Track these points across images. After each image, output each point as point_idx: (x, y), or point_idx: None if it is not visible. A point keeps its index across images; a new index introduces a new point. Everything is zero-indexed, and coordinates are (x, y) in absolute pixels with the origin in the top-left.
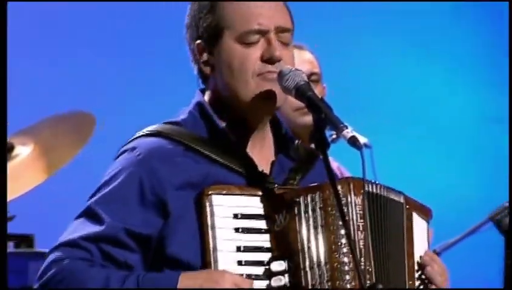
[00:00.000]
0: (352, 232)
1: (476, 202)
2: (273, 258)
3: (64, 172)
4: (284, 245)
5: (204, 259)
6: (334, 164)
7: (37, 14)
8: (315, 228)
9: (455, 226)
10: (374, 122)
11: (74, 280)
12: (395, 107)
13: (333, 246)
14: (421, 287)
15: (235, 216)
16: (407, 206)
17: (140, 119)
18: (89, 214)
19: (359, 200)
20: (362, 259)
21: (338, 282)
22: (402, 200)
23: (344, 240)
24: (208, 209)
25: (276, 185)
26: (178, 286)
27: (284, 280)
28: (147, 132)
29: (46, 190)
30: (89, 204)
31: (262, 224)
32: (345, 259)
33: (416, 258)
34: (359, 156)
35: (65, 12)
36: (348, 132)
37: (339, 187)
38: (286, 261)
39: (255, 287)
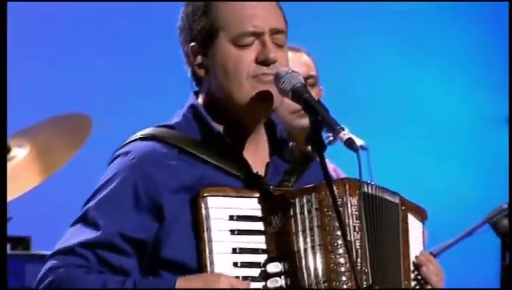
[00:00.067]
0: (348, 233)
1: (474, 202)
2: (269, 260)
3: (61, 174)
4: (280, 247)
5: (200, 261)
6: (330, 166)
7: (37, 14)
8: (311, 229)
9: (452, 226)
10: (371, 122)
11: (72, 287)
12: (392, 108)
13: (329, 247)
14: (417, 287)
15: (231, 218)
16: (402, 207)
17: (139, 120)
18: (85, 220)
19: (354, 201)
20: (359, 260)
21: (334, 283)
22: (397, 201)
23: (340, 241)
24: (203, 211)
25: (271, 187)
26: None
27: (281, 281)
28: (141, 136)
29: (42, 192)
30: (84, 210)
31: (258, 226)
32: (342, 260)
33: (412, 259)
34: (355, 158)
35: (65, 12)
36: (345, 134)
37: (334, 188)
38: (282, 263)
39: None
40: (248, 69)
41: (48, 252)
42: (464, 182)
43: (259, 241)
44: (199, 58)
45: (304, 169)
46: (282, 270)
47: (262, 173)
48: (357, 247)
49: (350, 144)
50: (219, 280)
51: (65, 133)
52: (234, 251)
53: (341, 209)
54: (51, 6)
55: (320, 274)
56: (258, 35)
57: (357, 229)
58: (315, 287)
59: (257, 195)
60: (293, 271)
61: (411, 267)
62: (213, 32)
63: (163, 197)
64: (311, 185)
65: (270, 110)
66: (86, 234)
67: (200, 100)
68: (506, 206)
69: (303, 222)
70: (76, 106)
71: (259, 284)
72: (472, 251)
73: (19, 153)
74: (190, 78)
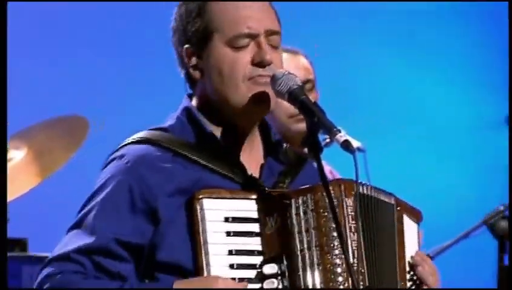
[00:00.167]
0: (344, 233)
1: (473, 202)
2: (265, 261)
3: (58, 176)
4: (276, 248)
5: (196, 263)
6: (327, 168)
7: (37, 14)
8: (307, 230)
9: (452, 226)
10: (371, 122)
11: None
12: (392, 108)
13: (325, 248)
14: (413, 287)
15: (226, 220)
16: (398, 208)
17: (138, 121)
18: (80, 226)
19: (350, 201)
20: (355, 260)
21: (330, 284)
22: (392, 201)
23: (336, 242)
24: (199, 213)
25: (266, 189)
26: None
27: (277, 282)
28: (134, 139)
29: (39, 193)
30: (80, 215)
31: (253, 227)
32: (338, 261)
33: (407, 259)
34: (352, 160)
35: (65, 12)
36: (342, 136)
37: (330, 189)
38: (278, 264)
39: None
40: (244, 71)
41: (45, 254)
42: (463, 183)
43: (255, 243)
44: (193, 60)
45: (298, 170)
46: (279, 271)
47: (257, 174)
48: (354, 248)
49: (346, 146)
50: (217, 282)
51: (62, 135)
52: (230, 252)
53: (336, 210)
54: (51, 6)
55: (316, 275)
56: (253, 36)
57: (353, 229)
58: (311, 288)
59: (252, 197)
60: (289, 272)
61: (407, 268)
62: (208, 34)
63: (158, 200)
64: (307, 186)
65: (266, 112)
66: (81, 240)
67: (194, 102)
68: (502, 208)
69: (299, 223)
70: (75, 106)
71: (256, 286)
72: (470, 253)
73: (16, 155)
74: (184, 80)
